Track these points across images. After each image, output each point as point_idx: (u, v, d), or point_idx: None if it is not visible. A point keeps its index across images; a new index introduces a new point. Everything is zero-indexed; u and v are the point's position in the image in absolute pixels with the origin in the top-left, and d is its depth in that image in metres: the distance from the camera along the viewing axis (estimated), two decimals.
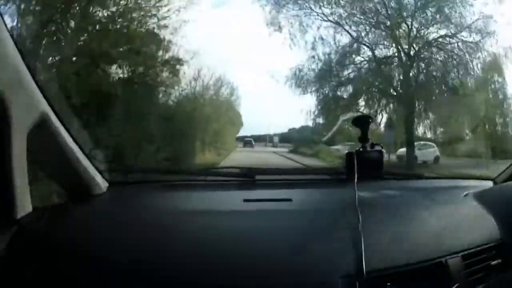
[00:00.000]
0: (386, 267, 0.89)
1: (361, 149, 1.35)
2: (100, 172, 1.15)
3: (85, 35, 6.76)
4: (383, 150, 1.39)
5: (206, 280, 0.80)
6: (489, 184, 1.58)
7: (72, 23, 6.52)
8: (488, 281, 1.03)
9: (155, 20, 8.51)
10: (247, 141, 19.75)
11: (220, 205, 1.14)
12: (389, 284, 0.86)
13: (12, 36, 0.80)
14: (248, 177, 1.34)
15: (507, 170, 1.59)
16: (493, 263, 1.04)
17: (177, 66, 9.41)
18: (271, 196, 1.21)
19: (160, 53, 8.87)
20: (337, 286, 0.81)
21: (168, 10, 8.62)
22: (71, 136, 1.03)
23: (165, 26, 8.67)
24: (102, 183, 1.15)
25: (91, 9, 6.86)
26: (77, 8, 6.56)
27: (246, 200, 1.14)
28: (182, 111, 10.18)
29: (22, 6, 5.60)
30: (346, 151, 1.35)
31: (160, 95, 9.12)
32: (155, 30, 8.48)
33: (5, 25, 0.79)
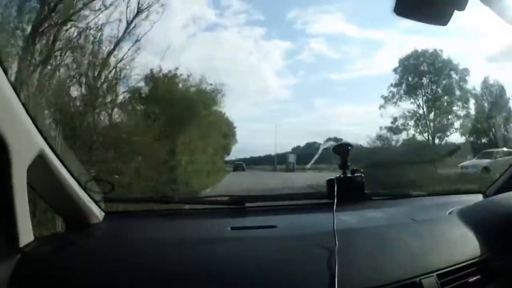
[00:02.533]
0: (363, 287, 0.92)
1: (341, 175, 1.43)
2: (96, 202, 1.20)
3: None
4: (362, 175, 1.46)
5: None
6: (479, 198, 1.58)
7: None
8: None
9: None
10: (237, 165, 19.44)
11: (210, 233, 1.18)
12: None
13: (5, 73, 0.85)
14: (237, 205, 1.38)
15: (496, 183, 1.60)
16: (471, 280, 1.05)
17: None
18: (258, 223, 1.25)
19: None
20: None
21: None
22: (67, 169, 1.08)
23: None
24: (98, 212, 1.20)
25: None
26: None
27: (233, 228, 1.18)
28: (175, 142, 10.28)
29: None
30: (327, 178, 1.42)
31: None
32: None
33: (0, 62, 0.85)
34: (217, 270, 0.92)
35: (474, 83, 16.73)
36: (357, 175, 1.45)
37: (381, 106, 16.64)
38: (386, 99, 16.99)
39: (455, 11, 0.79)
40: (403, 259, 1.04)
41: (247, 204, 1.40)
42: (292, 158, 17.09)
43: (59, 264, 0.93)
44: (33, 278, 0.87)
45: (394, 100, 17.00)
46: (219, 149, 16.92)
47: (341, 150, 1.46)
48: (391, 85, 17.26)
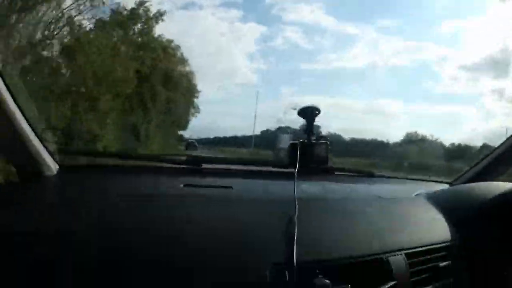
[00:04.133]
0: (320, 258, 0.88)
1: (306, 141, 1.33)
2: (51, 154, 1.15)
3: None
4: (328, 143, 1.36)
5: (138, 259, 0.81)
6: (446, 187, 1.56)
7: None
8: (437, 282, 1.01)
9: None
10: (189, 143, 18.54)
11: (161, 190, 1.13)
12: (319, 273, 0.84)
13: None
14: (193, 165, 1.34)
15: (465, 174, 1.59)
16: (441, 264, 1.02)
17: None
18: (213, 183, 1.20)
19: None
20: (266, 273, 0.82)
21: None
22: (24, 116, 1.02)
23: None
24: (53, 165, 1.15)
25: None
26: None
27: (186, 185, 1.14)
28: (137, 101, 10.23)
29: None
30: (290, 142, 1.33)
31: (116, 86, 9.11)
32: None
33: None
34: (166, 226, 0.89)
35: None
36: (322, 142, 1.36)
37: None
38: None
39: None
40: (369, 234, 1.00)
41: (204, 165, 1.35)
42: (285, 140, 14.77)
43: (8, 216, 0.88)
44: None
45: None
46: (170, 120, 15.69)
47: (307, 113, 1.36)
48: None
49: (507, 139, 1.49)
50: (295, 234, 0.87)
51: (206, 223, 0.92)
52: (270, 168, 1.45)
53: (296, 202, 0.98)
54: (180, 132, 18.79)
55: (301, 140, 1.32)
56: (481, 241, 1.11)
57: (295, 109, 1.40)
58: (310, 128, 1.35)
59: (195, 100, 17.10)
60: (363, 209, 1.11)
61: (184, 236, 0.87)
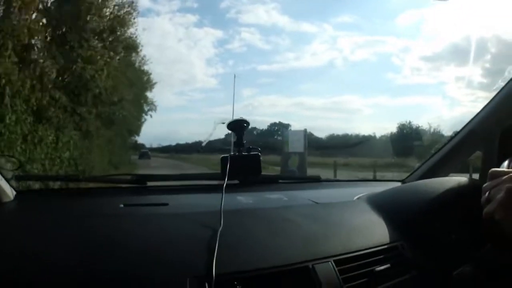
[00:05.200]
0: (241, 270, 0.87)
1: (236, 153, 1.34)
2: (7, 180, 1.19)
3: None
4: (259, 154, 1.37)
5: (77, 277, 0.83)
6: (397, 185, 1.53)
7: None
8: (375, 287, 0.97)
9: None
10: (143, 153, 18.67)
11: (103, 210, 1.18)
12: (237, 284, 0.84)
13: None
14: (136, 183, 1.40)
15: (417, 171, 1.57)
16: (378, 268, 0.98)
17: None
18: (151, 201, 1.25)
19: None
20: (185, 286, 0.82)
21: None
22: None
23: None
24: (10, 191, 1.19)
25: None
26: None
27: (126, 205, 1.18)
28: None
29: None
30: (221, 156, 1.34)
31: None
32: None
33: None
34: (102, 247, 0.92)
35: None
36: (254, 154, 1.36)
37: None
38: None
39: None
40: (295, 242, 0.99)
41: (148, 183, 1.41)
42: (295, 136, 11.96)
43: None
44: None
45: None
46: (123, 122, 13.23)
47: (236, 127, 1.36)
48: None
49: (457, 132, 1.48)
50: (216, 246, 0.88)
51: (138, 241, 0.95)
52: (206, 182, 1.49)
53: (222, 214, 0.99)
54: (137, 139, 17.60)
55: (232, 154, 1.33)
56: (427, 240, 1.08)
57: (223, 123, 1.44)
58: (240, 140, 1.36)
59: (148, 94, 14.94)
60: (294, 217, 1.10)
61: (115, 253, 0.90)
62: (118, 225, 1.03)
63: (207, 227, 0.97)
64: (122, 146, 15.05)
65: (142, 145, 18.88)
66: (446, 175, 1.45)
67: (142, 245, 0.92)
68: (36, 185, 1.66)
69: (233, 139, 1.39)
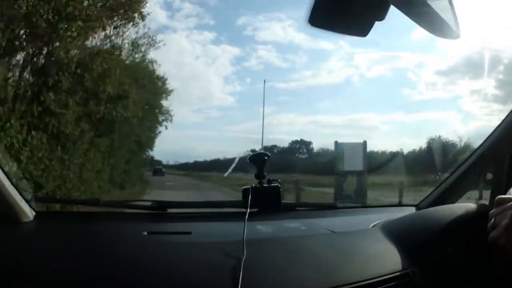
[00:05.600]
0: None
1: (257, 185, 1.42)
2: (27, 201, 1.22)
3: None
4: (279, 186, 1.45)
5: None
6: (412, 210, 1.57)
7: None
8: None
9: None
10: (157, 170, 18.61)
11: (126, 238, 1.20)
12: None
13: None
14: (158, 210, 1.43)
15: (429, 196, 1.59)
16: None
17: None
18: (175, 228, 1.27)
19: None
20: None
21: None
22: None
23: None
24: (29, 212, 1.22)
25: None
26: None
27: (150, 233, 1.21)
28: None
29: None
30: (243, 187, 1.41)
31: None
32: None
33: None
34: (128, 273, 0.95)
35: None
36: (274, 185, 1.44)
37: None
38: None
39: (376, 21, 0.76)
40: (314, 270, 1.02)
41: (169, 210, 1.45)
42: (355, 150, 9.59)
43: None
44: None
45: None
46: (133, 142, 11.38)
47: (258, 160, 1.46)
48: None
49: (469, 156, 1.51)
50: (241, 275, 0.91)
51: (163, 269, 0.97)
52: (228, 210, 1.53)
53: (244, 244, 1.03)
54: (152, 154, 15.92)
55: (253, 185, 1.41)
56: (438, 266, 1.11)
57: (245, 157, 1.53)
58: (261, 173, 1.45)
59: (164, 102, 12.66)
60: (312, 245, 1.14)
61: (139, 281, 0.93)
62: (143, 252, 1.05)
63: (231, 257, 1.00)
64: (131, 161, 12.59)
65: (159, 162, 18.89)
66: (459, 198, 1.50)
67: (167, 274, 0.96)
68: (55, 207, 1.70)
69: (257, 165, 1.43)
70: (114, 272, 0.95)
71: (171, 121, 13.22)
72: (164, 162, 19.42)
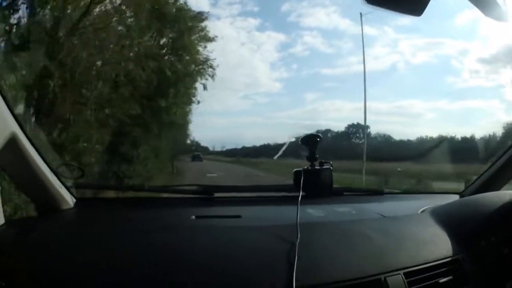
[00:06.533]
0: (318, 283, 0.90)
1: (309, 167, 1.40)
2: (67, 188, 1.21)
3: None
4: (331, 168, 1.41)
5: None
6: (455, 198, 1.56)
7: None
8: None
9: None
10: (195, 156, 18.53)
11: (175, 222, 1.18)
12: None
13: None
14: (204, 194, 1.41)
15: (474, 184, 1.58)
16: (442, 280, 1.02)
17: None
18: (222, 212, 1.25)
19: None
20: None
21: None
22: (39, 153, 1.08)
23: None
24: (70, 198, 1.22)
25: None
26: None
27: (198, 217, 1.19)
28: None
29: None
30: (294, 170, 1.38)
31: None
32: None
33: None
34: (178, 258, 0.93)
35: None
36: (325, 168, 1.41)
37: None
38: None
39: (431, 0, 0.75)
40: (367, 255, 1.01)
41: (215, 194, 1.42)
42: None
43: (27, 249, 0.93)
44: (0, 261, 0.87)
45: None
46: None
47: (309, 142, 1.43)
48: None
49: None
50: (296, 259, 0.91)
51: (215, 253, 0.96)
52: (277, 194, 1.51)
53: (298, 228, 1.02)
54: (195, 139, 15.55)
55: (305, 168, 1.38)
56: (484, 253, 1.11)
57: (295, 139, 1.51)
58: (312, 155, 1.41)
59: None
60: (364, 230, 1.12)
61: (197, 265, 0.91)
62: (192, 237, 1.03)
63: (284, 240, 0.99)
64: (168, 148, 11.08)
65: (205, 148, 18.68)
66: (502, 186, 1.49)
67: (218, 257, 0.94)
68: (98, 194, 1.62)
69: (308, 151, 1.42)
70: (164, 257, 0.93)
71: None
72: (210, 148, 19.58)
